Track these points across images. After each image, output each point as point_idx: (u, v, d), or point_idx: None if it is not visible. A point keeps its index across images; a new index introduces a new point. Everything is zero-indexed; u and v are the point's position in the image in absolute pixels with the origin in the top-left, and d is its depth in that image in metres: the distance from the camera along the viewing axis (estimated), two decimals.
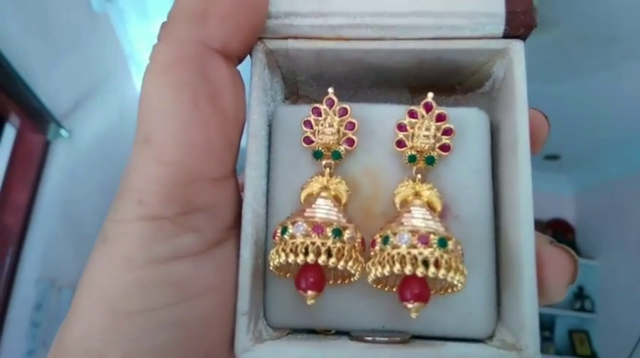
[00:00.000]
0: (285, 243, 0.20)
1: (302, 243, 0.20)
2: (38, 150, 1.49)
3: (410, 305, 0.20)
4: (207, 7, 0.20)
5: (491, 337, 0.22)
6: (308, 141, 0.23)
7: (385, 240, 0.20)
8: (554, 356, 3.08)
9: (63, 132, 1.53)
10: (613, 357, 2.87)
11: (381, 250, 0.20)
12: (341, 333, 0.23)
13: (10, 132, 1.47)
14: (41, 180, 1.49)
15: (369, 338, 0.21)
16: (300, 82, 0.26)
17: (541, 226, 3.30)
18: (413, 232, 0.20)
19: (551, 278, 0.21)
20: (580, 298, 3.15)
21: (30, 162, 1.47)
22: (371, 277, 0.20)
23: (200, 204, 0.20)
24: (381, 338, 0.21)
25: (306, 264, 0.20)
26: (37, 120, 1.44)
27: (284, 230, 0.21)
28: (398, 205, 0.22)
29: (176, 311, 0.19)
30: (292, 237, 0.20)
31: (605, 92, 2.20)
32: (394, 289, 0.22)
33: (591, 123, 2.52)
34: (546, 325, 3.17)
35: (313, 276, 0.21)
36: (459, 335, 0.22)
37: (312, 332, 0.23)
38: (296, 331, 0.23)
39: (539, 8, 0.21)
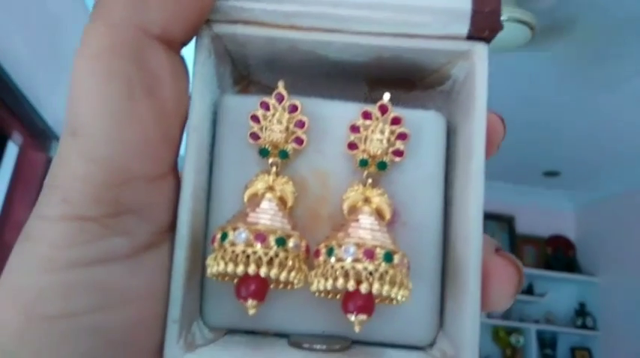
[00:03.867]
0: (225, 251, 0.19)
1: (243, 253, 0.19)
2: (40, 168, 1.46)
3: (353, 318, 0.20)
4: None
5: (432, 345, 0.23)
6: (255, 136, 0.21)
7: (330, 251, 0.20)
8: None
9: None
10: None
11: (325, 262, 0.20)
12: (281, 335, 0.23)
13: (12, 149, 1.44)
14: None
15: (307, 345, 0.21)
16: (252, 67, 0.24)
17: (541, 243, 3.31)
18: (358, 245, 0.19)
19: (495, 288, 0.21)
20: (582, 315, 3.15)
21: (32, 179, 1.44)
22: (313, 288, 0.20)
23: (132, 205, 0.18)
24: (320, 346, 0.21)
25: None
26: (39, 138, 1.41)
27: (224, 236, 0.20)
28: (346, 211, 0.22)
29: (99, 318, 0.18)
30: (232, 244, 0.19)
31: (606, 109, 2.18)
32: (338, 297, 0.22)
33: (592, 140, 2.49)
34: (548, 342, 3.18)
35: (255, 285, 0.20)
36: (400, 342, 0.23)
37: (251, 332, 0.23)
38: (233, 331, 0.23)
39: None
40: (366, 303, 0.20)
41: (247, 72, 0.24)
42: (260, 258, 0.19)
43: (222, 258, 0.19)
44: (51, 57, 1.38)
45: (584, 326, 3.14)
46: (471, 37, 0.21)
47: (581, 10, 1.58)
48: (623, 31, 1.66)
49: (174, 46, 0.19)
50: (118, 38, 0.18)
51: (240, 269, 0.19)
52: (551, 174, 3.06)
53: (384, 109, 0.21)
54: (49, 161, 1.49)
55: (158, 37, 0.19)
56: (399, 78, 0.23)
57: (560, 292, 3.23)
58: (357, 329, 0.20)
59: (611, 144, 2.52)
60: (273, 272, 0.19)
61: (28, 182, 1.45)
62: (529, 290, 3.21)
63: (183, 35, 0.19)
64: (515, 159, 2.79)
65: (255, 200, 0.21)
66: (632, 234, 2.90)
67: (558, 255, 3.30)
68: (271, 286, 0.21)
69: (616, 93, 2.05)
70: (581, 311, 3.19)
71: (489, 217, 3.17)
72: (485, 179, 0.21)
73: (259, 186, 0.21)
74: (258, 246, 0.19)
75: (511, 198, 3.20)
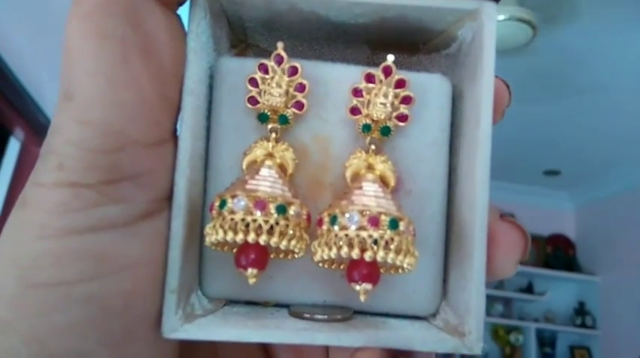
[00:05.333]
0: (224, 219, 0.19)
1: (242, 220, 0.18)
2: None
3: (358, 287, 0.19)
4: None
5: (434, 315, 0.22)
6: (253, 101, 0.21)
7: (333, 219, 0.19)
8: None
9: None
10: None
11: (328, 230, 0.19)
12: (281, 305, 0.22)
13: (14, 145, 1.44)
14: None
15: (308, 316, 0.20)
16: (249, 29, 0.23)
17: (541, 241, 3.27)
18: (363, 212, 0.19)
19: (501, 254, 0.20)
20: (581, 314, 3.11)
21: None
22: (316, 258, 0.19)
23: (129, 171, 0.18)
24: (321, 317, 0.20)
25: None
26: (41, 134, 1.39)
27: (222, 203, 0.19)
28: (349, 179, 0.21)
29: (93, 286, 0.17)
30: (231, 212, 0.19)
31: (606, 108, 2.17)
32: (341, 267, 0.21)
33: (592, 139, 2.47)
34: (547, 341, 3.14)
35: (255, 253, 0.19)
36: (402, 312, 0.22)
37: (250, 302, 0.22)
38: (233, 302, 0.22)
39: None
40: (371, 272, 0.19)
41: (244, 35, 0.23)
42: (260, 226, 0.18)
43: (221, 226, 0.18)
44: (54, 53, 1.38)
45: (583, 325, 3.08)
46: None
47: (582, 8, 1.57)
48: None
49: (170, 4, 0.19)
50: None
51: (240, 237, 0.18)
52: (552, 173, 3.04)
53: (387, 71, 0.20)
54: None
55: None
56: (403, 40, 0.22)
57: (559, 291, 3.21)
58: (362, 298, 0.19)
59: (613, 143, 2.50)
60: (274, 241, 0.18)
61: None
62: (529, 289, 3.20)
63: None
64: (516, 158, 2.78)
65: (255, 167, 0.20)
66: (632, 234, 2.86)
67: (558, 253, 3.26)
68: (271, 256, 0.21)
69: (616, 92, 2.04)
70: (581, 310, 3.15)
71: None
72: None
73: (258, 152, 0.21)
74: (258, 213, 0.18)
75: (511, 196, 3.19)
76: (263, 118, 0.21)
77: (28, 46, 1.25)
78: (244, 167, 0.21)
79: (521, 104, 2.14)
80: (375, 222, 0.18)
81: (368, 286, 0.19)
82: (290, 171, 0.21)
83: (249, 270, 0.19)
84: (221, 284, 0.21)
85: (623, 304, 2.87)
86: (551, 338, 3.17)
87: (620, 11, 1.56)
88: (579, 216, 3.39)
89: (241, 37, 0.23)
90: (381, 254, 0.18)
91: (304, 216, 0.20)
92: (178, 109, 0.19)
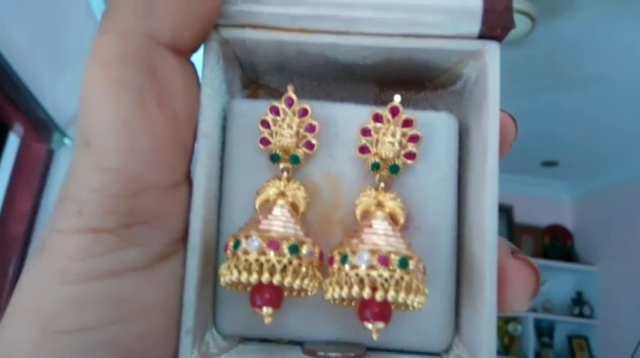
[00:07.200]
0: (238, 259, 0.19)
1: (256, 261, 0.19)
2: (42, 159, 1.46)
3: (370, 326, 0.19)
4: None
5: (447, 350, 0.22)
6: (265, 142, 0.21)
7: (344, 259, 0.19)
8: None
9: (67, 140, 1.48)
10: None
11: (339, 269, 0.19)
12: (295, 343, 0.22)
13: (13, 141, 1.44)
14: (45, 188, 1.46)
15: (322, 354, 0.21)
16: (261, 72, 0.23)
17: (539, 232, 3.28)
18: (373, 251, 0.19)
19: (513, 292, 0.21)
20: (579, 304, 3.12)
21: (34, 170, 1.44)
22: (327, 296, 0.20)
23: (146, 215, 0.18)
24: (334, 355, 0.21)
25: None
26: (40, 129, 1.40)
27: (236, 244, 0.19)
28: (359, 216, 0.21)
29: (113, 331, 0.18)
30: (245, 252, 0.19)
31: (603, 98, 2.17)
32: (352, 304, 0.21)
33: (589, 129, 2.47)
34: (545, 331, 3.16)
35: (270, 293, 0.19)
36: (415, 348, 0.22)
37: (264, 339, 0.23)
38: (247, 339, 0.23)
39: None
40: (383, 311, 0.19)
41: (256, 76, 0.24)
42: (274, 266, 0.19)
43: (236, 266, 0.19)
44: (53, 47, 1.37)
45: (581, 315, 3.11)
46: (482, 36, 0.20)
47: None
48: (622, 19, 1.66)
49: (184, 52, 0.19)
50: (129, 47, 0.18)
51: (254, 277, 0.19)
52: (550, 164, 3.04)
53: (395, 111, 0.21)
54: (50, 152, 1.49)
55: (168, 44, 0.18)
56: (410, 78, 0.23)
57: (557, 281, 3.22)
58: (374, 337, 0.19)
59: (610, 134, 2.51)
60: (287, 281, 0.19)
61: (30, 173, 1.45)
62: None
63: (192, 42, 0.19)
64: (514, 149, 2.75)
65: (267, 206, 0.21)
66: (630, 224, 2.87)
67: (556, 244, 3.27)
68: (285, 294, 0.21)
69: (612, 82, 2.05)
70: (579, 300, 3.17)
71: None
72: None
73: (271, 192, 0.21)
74: (272, 253, 0.19)
75: (509, 188, 3.19)
76: (275, 158, 0.21)
77: (27, 41, 1.24)
78: (257, 206, 0.21)
79: (519, 95, 2.14)
80: (385, 261, 0.19)
81: (380, 325, 0.19)
82: (302, 209, 0.21)
83: (265, 310, 0.19)
84: (235, 321, 0.22)
85: (621, 294, 2.89)
86: (549, 328, 3.19)
87: (619, 1, 1.56)
88: (577, 206, 3.40)
89: (253, 79, 0.24)
90: (391, 293, 0.19)
91: (316, 255, 0.20)
92: (192, 152, 0.20)
